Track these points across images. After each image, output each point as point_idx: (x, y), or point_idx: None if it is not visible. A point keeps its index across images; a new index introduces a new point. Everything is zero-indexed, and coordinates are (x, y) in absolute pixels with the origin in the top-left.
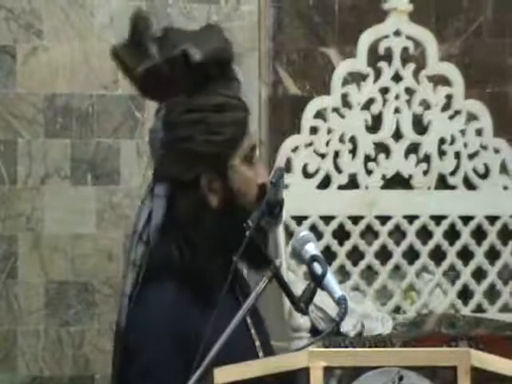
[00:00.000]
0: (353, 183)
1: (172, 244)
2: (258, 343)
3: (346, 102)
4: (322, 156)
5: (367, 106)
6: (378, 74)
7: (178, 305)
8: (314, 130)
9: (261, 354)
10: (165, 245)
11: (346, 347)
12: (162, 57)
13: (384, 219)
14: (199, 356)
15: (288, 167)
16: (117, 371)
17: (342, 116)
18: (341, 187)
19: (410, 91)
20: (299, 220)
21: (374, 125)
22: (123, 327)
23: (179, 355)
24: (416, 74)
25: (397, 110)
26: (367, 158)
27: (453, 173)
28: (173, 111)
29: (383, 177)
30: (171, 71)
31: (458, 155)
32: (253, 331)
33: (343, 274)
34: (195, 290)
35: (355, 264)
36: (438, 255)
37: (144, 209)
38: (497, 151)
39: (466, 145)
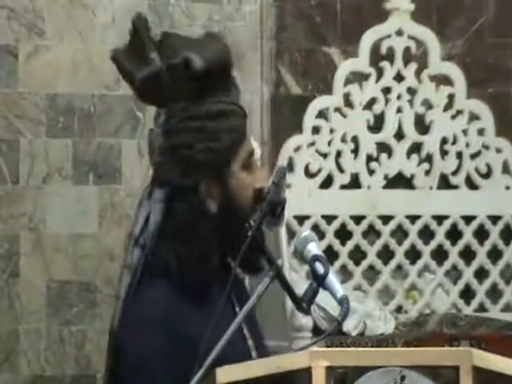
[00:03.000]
0: (355, 183)
1: (168, 249)
2: (250, 342)
3: (348, 101)
4: (324, 156)
5: (369, 105)
6: (379, 73)
7: (170, 303)
8: (316, 130)
9: (254, 353)
10: (161, 249)
11: (348, 347)
12: (162, 63)
13: (386, 219)
14: (196, 357)
15: (290, 167)
16: (108, 372)
17: (344, 116)
18: (343, 187)
19: (411, 91)
20: (301, 220)
21: (376, 124)
22: (116, 328)
23: (170, 351)
24: (418, 73)
25: (399, 110)
26: (369, 158)
27: (455, 172)
28: (172, 118)
29: (385, 176)
30: (171, 78)
31: (460, 155)
32: (245, 331)
33: (345, 274)
34: (189, 292)
35: (357, 264)
36: (440, 255)
37: (141, 212)
38: (499, 151)
39: (468, 144)
